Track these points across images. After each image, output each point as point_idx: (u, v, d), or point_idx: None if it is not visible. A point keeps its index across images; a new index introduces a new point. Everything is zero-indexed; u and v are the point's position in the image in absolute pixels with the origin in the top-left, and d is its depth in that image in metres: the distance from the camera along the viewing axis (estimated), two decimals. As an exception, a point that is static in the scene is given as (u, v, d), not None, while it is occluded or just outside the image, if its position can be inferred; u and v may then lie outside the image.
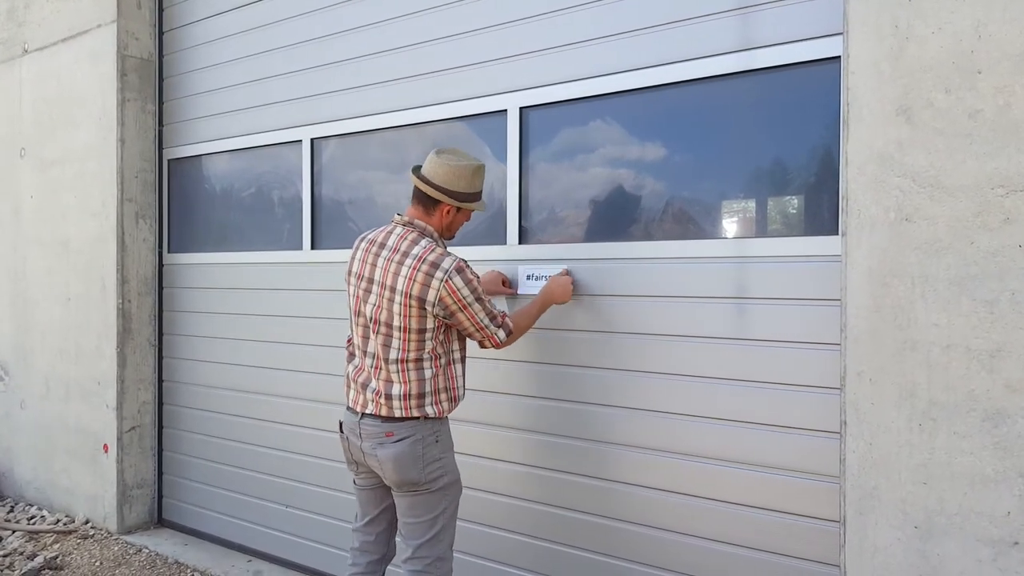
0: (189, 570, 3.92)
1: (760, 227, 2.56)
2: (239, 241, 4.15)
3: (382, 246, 2.54)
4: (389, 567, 2.83)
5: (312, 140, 3.75)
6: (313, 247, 3.76)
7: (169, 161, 4.50)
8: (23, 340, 4.99)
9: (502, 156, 3.09)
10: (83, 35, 4.51)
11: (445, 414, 2.53)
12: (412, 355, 2.46)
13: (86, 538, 4.37)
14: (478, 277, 2.48)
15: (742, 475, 2.54)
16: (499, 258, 3.08)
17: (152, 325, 4.51)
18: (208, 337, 4.28)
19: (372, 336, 2.52)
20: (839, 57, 2.31)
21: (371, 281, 2.53)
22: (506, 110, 3.06)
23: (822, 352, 2.37)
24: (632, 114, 2.80)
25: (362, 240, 2.63)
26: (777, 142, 2.50)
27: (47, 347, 4.80)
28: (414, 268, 2.42)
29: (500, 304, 3.03)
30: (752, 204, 2.58)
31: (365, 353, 2.56)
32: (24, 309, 4.97)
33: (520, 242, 3.05)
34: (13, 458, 5.11)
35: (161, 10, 4.50)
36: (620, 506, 2.80)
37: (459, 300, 2.42)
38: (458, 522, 3.16)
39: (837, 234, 2.33)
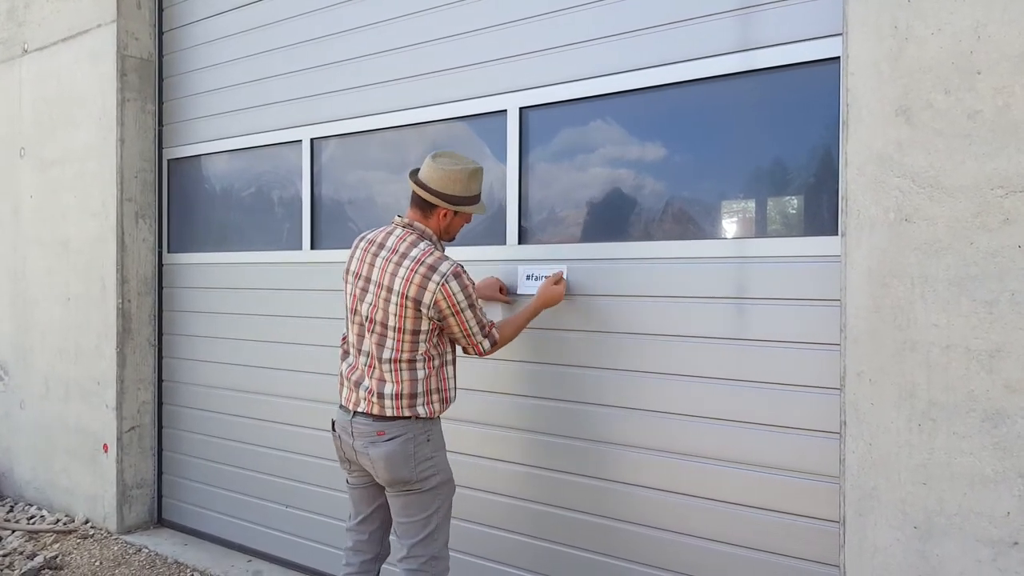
0: (189, 570, 3.92)
1: (760, 227, 2.56)
2: (239, 241, 4.15)
3: (381, 246, 2.55)
4: (385, 566, 2.84)
5: (312, 140, 3.75)
6: (313, 247, 3.76)
7: (169, 161, 4.50)
8: (23, 340, 4.99)
9: (502, 156, 3.09)
10: (83, 35, 4.51)
11: (436, 415, 2.55)
12: (406, 355, 2.48)
13: (86, 538, 4.37)
14: (473, 284, 2.51)
15: (741, 475, 2.54)
16: (499, 258, 3.08)
17: (152, 325, 4.51)
18: (208, 337, 4.28)
19: (367, 335, 2.54)
20: (839, 57, 2.31)
21: (368, 280, 2.54)
22: (506, 110, 3.07)
23: (821, 352, 2.38)
24: (632, 114, 2.80)
25: (361, 240, 2.64)
26: (777, 142, 2.50)
27: (47, 347, 4.80)
28: (412, 270, 2.44)
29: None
30: (752, 204, 2.58)
31: (360, 352, 2.58)
32: (24, 309, 4.97)
33: (520, 242, 3.05)
34: (13, 458, 5.11)
35: (161, 10, 4.50)
36: (619, 506, 2.80)
37: (453, 305, 2.45)
38: (457, 522, 3.16)
39: (837, 234, 2.33)
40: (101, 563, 4.02)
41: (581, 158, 2.92)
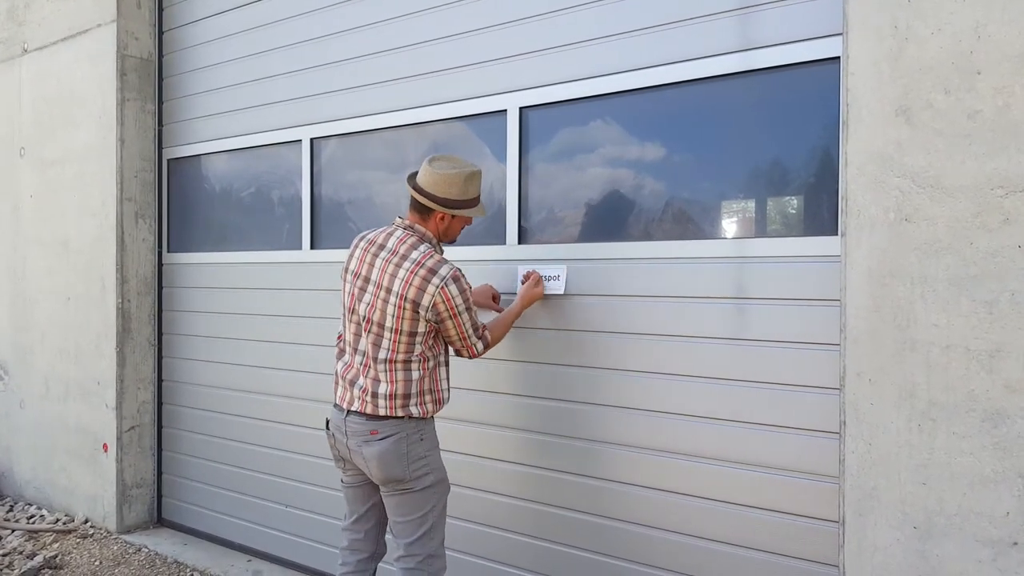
0: (189, 570, 3.92)
1: (760, 227, 2.56)
2: (239, 241, 4.15)
3: (381, 247, 2.57)
4: (382, 564, 2.85)
5: (312, 140, 3.75)
6: (312, 247, 3.76)
7: (169, 161, 4.50)
8: (23, 339, 4.99)
9: (502, 156, 3.09)
10: (83, 35, 4.51)
11: (429, 415, 2.57)
12: (401, 356, 2.50)
13: (85, 537, 4.36)
14: (471, 287, 2.55)
15: (741, 475, 2.54)
16: (498, 258, 3.08)
17: (152, 325, 4.51)
18: (208, 337, 4.28)
19: (364, 334, 2.56)
20: (839, 57, 2.31)
21: (367, 280, 2.55)
22: (506, 110, 3.06)
23: (821, 352, 2.37)
24: (632, 114, 2.80)
25: (361, 239, 2.65)
26: (777, 142, 2.50)
27: (47, 347, 4.80)
28: (411, 272, 2.46)
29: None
30: (752, 204, 2.58)
31: (355, 350, 2.60)
32: (24, 309, 4.97)
33: (520, 242, 3.05)
34: (13, 457, 5.11)
35: (161, 10, 4.50)
36: (619, 506, 2.80)
37: (451, 308, 2.48)
38: (455, 521, 3.17)
39: (836, 234, 2.33)
40: (101, 563, 4.02)
41: (581, 158, 2.91)
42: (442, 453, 2.74)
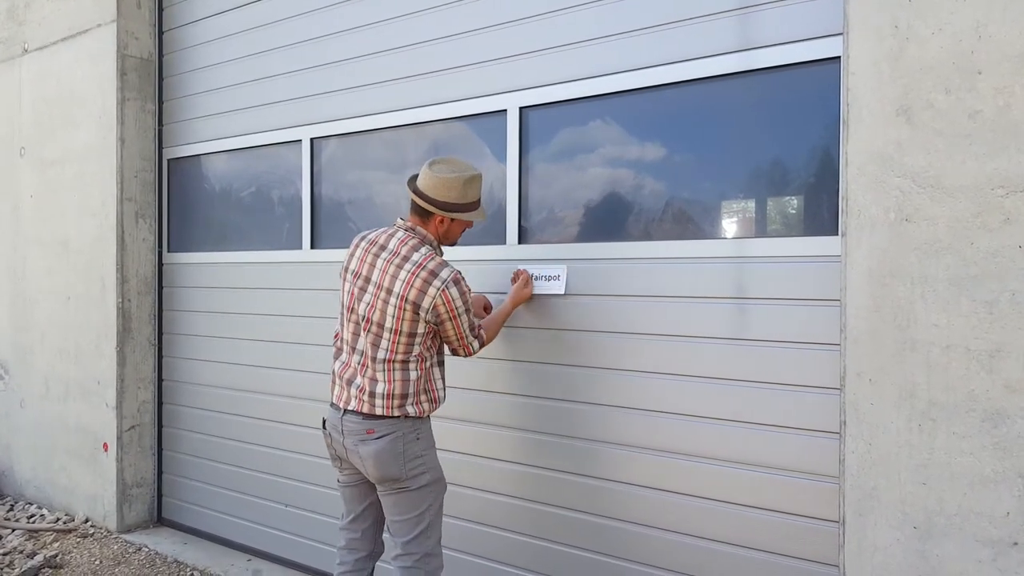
0: (189, 569, 3.92)
1: (760, 227, 2.56)
2: (239, 240, 4.15)
3: (383, 248, 2.58)
4: (380, 563, 2.85)
5: (312, 140, 3.75)
6: (313, 247, 3.76)
7: (169, 160, 4.50)
8: (23, 339, 4.99)
9: (502, 156, 3.09)
10: (83, 34, 4.51)
11: (425, 414, 2.59)
12: (400, 356, 2.52)
13: (86, 537, 4.37)
14: (470, 290, 2.58)
15: (741, 475, 2.54)
16: (498, 257, 3.08)
17: (152, 324, 4.51)
18: (208, 336, 4.28)
19: (363, 334, 2.57)
20: (839, 57, 2.31)
21: (368, 280, 2.56)
22: (506, 110, 3.06)
23: (822, 352, 2.37)
24: (632, 114, 2.80)
25: (362, 239, 2.65)
26: (777, 142, 2.49)
27: (47, 346, 4.80)
28: (413, 273, 2.47)
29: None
30: (752, 204, 2.58)
31: (354, 350, 2.61)
32: (24, 308, 4.97)
33: (520, 242, 3.05)
34: (13, 457, 5.11)
35: (161, 10, 4.50)
36: (619, 506, 2.80)
37: (451, 310, 2.50)
38: (454, 521, 3.17)
39: (837, 234, 2.33)
40: (101, 562, 4.03)
41: (581, 158, 2.91)
42: (440, 452, 2.75)
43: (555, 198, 2.99)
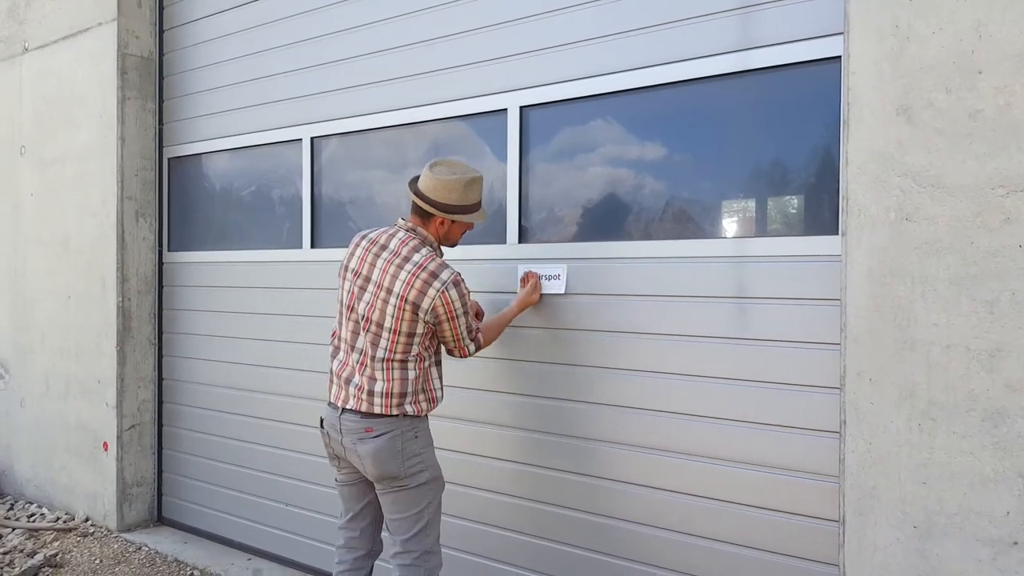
0: (189, 568, 3.92)
1: (760, 227, 2.56)
2: (239, 239, 4.15)
3: (383, 247, 2.58)
4: (378, 562, 2.85)
5: (312, 139, 3.75)
6: (313, 246, 3.76)
7: (169, 159, 4.50)
8: (23, 338, 4.99)
9: (502, 155, 3.09)
10: (83, 33, 4.51)
11: (424, 413, 2.59)
12: (398, 356, 2.53)
13: (86, 536, 4.37)
14: (469, 292, 2.59)
15: (741, 474, 2.54)
16: (499, 257, 3.08)
17: (152, 323, 4.51)
18: (208, 335, 4.28)
19: (362, 333, 2.58)
20: (839, 57, 2.31)
21: (368, 280, 2.56)
22: (506, 109, 3.06)
23: (822, 352, 2.37)
24: (632, 113, 2.80)
25: (363, 238, 2.66)
26: (777, 142, 2.49)
27: (47, 345, 4.80)
28: (413, 274, 2.48)
29: None
30: (752, 204, 2.58)
31: (352, 348, 2.61)
32: (24, 307, 4.97)
33: (520, 241, 3.05)
34: (13, 456, 5.11)
35: (161, 8, 4.50)
36: (618, 504, 2.80)
37: (450, 311, 2.52)
38: (453, 519, 3.17)
39: (837, 234, 2.33)
40: (101, 561, 4.03)
41: (581, 157, 2.91)
42: (440, 452, 2.75)
43: (555, 197, 2.99)
